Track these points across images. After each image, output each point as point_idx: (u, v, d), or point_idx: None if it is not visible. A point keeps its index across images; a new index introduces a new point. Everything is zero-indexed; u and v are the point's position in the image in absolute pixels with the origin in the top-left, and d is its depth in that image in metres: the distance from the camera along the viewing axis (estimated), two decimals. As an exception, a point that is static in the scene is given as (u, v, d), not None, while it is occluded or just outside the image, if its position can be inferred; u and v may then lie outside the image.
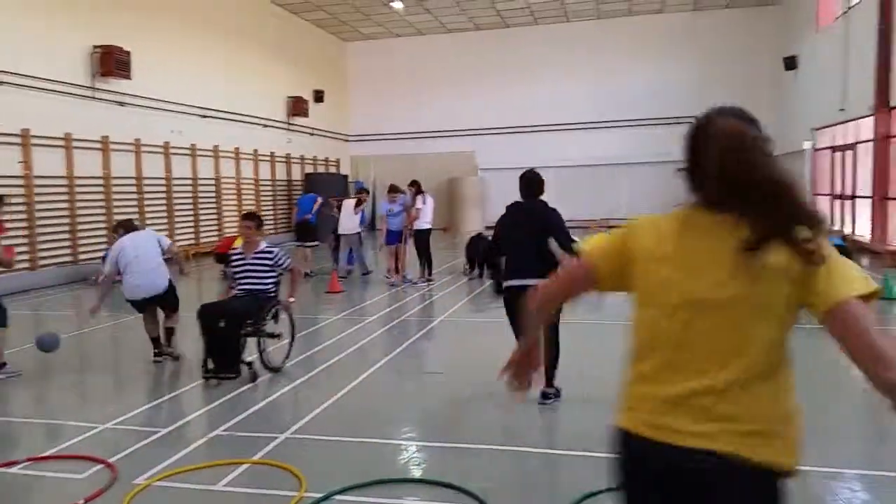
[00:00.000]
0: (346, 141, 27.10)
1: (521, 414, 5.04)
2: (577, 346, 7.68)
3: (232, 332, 5.81)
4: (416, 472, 4.08)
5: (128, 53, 14.59)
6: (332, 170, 25.54)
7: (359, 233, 12.48)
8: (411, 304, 10.01)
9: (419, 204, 11.61)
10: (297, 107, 22.51)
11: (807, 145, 19.41)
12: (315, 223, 13.29)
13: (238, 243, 7.48)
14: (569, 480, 3.82)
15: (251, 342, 5.95)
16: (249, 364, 5.88)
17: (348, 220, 12.48)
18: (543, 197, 5.54)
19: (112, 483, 3.91)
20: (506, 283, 5.35)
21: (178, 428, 4.88)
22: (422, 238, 11.67)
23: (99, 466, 4.16)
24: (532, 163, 22.70)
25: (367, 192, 11.84)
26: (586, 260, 1.87)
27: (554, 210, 5.41)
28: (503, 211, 5.59)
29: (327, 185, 22.71)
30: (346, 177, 25.46)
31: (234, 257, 6.34)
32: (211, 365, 5.86)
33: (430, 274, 11.84)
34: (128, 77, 14.65)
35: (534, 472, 4.07)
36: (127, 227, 7.09)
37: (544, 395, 5.24)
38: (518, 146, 25.29)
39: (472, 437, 4.54)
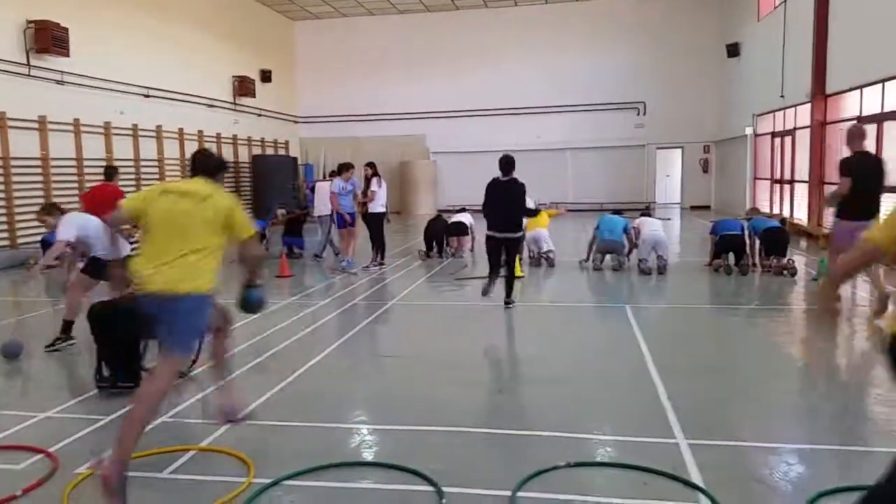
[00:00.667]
0: (295, 122, 26.66)
1: (474, 395, 5.08)
2: (550, 330, 7.76)
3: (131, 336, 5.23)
4: (368, 456, 4.08)
5: (66, 30, 14.01)
6: (281, 152, 25.10)
7: (330, 214, 12.11)
8: (362, 287, 9.95)
9: (374, 186, 11.48)
10: (244, 87, 22.02)
11: (748, 131, 19.92)
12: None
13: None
14: (520, 459, 3.86)
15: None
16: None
17: (322, 202, 12.42)
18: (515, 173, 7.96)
19: (52, 473, 3.79)
20: (488, 233, 8.02)
21: (122, 415, 4.75)
22: (376, 221, 11.57)
23: (38, 456, 4.03)
24: (483, 147, 23.14)
25: (353, 168, 11.66)
26: (872, 243, 2.76)
27: (522, 184, 7.95)
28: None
29: (276, 168, 22.37)
30: (295, 159, 25.05)
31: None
32: (106, 372, 5.28)
33: (382, 258, 11.78)
34: (66, 55, 14.09)
35: (483, 451, 4.11)
36: (60, 209, 6.87)
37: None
38: (469, 130, 25.33)
39: (425, 420, 4.55)
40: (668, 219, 19.74)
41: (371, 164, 11.83)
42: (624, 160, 25.08)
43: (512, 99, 25.11)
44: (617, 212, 11.96)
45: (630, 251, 10.99)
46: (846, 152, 7.41)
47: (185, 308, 3.62)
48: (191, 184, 3.91)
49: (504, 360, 6.35)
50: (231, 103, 21.75)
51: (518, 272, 10.12)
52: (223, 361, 4.30)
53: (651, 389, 5.05)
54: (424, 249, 12.89)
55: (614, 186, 24.57)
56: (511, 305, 8.10)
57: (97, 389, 5.26)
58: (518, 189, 7.94)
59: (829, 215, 10.96)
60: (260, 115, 23.60)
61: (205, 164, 4.00)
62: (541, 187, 10.87)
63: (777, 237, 10.31)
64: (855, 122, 12.10)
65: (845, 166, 7.14)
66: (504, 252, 8.03)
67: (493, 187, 7.99)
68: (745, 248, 10.29)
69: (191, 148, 19.20)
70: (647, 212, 12.87)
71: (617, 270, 10.73)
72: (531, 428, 4.36)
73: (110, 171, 9.97)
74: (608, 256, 11.02)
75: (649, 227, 10.81)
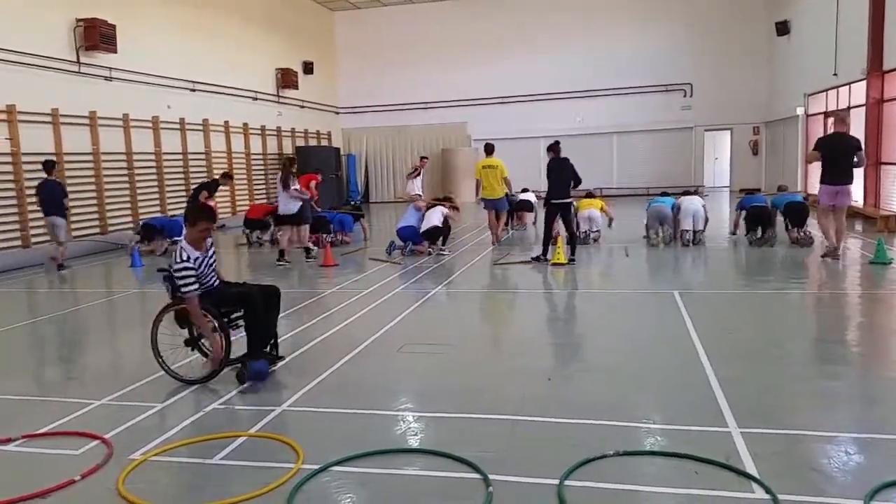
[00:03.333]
0: (337, 113, 26.84)
1: (521, 384, 5.04)
2: (600, 318, 7.69)
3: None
4: (415, 443, 4.08)
5: (113, 27, 14.34)
6: (324, 143, 25.32)
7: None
8: (420, 275, 9.98)
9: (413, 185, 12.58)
10: (287, 79, 22.26)
11: (800, 111, 19.32)
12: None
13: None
14: (566, 447, 3.81)
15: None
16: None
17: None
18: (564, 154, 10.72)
19: (108, 459, 3.89)
20: (552, 200, 10.57)
21: (174, 402, 4.86)
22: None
23: (95, 443, 4.14)
24: (525, 133, 23.36)
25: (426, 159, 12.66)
26: None
27: (571, 163, 10.64)
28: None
29: (319, 159, 22.55)
30: (338, 150, 25.26)
31: (198, 258, 5.36)
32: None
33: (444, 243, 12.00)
34: (114, 51, 14.43)
35: (531, 439, 4.07)
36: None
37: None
38: (510, 116, 25.15)
39: (472, 407, 4.53)
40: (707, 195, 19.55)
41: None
42: (671, 143, 24.58)
43: (553, 83, 24.83)
44: (664, 193, 13.33)
45: (675, 228, 11.91)
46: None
47: None
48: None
49: (552, 346, 6.29)
50: (275, 95, 22.01)
51: (561, 258, 10.11)
52: None
53: (702, 375, 4.94)
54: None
55: (661, 170, 24.07)
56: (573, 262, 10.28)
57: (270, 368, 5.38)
58: (570, 166, 10.61)
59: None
60: (303, 107, 23.83)
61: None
62: (584, 172, 11.08)
63: (797, 209, 11.21)
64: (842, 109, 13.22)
65: (817, 142, 9.60)
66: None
67: (553, 162, 10.65)
68: (770, 219, 11.26)
69: (237, 140, 19.54)
70: (688, 191, 13.79)
71: (667, 244, 11.75)
72: (579, 416, 4.31)
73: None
74: (661, 232, 12.02)
75: (689, 201, 11.83)
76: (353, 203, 16.76)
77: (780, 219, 11.61)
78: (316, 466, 3.67)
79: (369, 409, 4.58)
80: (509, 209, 13.67)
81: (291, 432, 4.16)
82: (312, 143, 24.31)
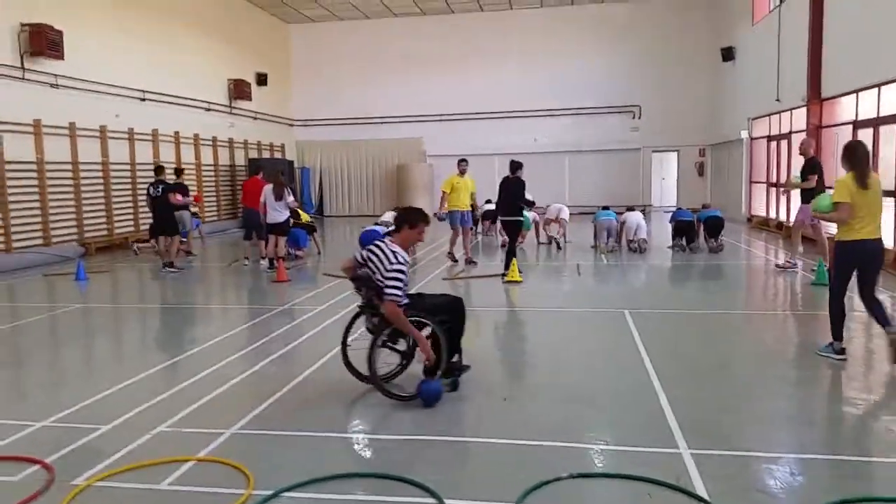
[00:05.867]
0: (291, 125, 26.62)
1: (476, 405, 5.03)
2: (548, 335, 7.72)
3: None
4: (369, 466, 4.03)
5: (59, 32, 13.96)
6: (277, 155, 25.05)
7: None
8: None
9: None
10: (240, 90, 21.99)
11: (744, 135, 19.95)
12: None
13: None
14: (521, 470, 3.82)
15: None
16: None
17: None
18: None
19: (49, 485, 3.73)
20: (501, 218, 11.36)
21: (119, 424, 4.70)
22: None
23: (35, 467, 3.97)
24: (480, 150, 23.52)
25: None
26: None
27: (524, 182, 10.96)
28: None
29: (272, 172, 22.27)
30: (291, 162, 25.03)
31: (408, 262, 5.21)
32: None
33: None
34: (60, 57, 14.04)
35: (485, 461, 4.06)
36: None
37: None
38: (466, 133, 25.32)
39: (425, 429, 4.50)
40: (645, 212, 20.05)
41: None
42: (620, 163, 25.11)
43: (508, 102, 25.13)
44: (606, 207, 14.80)
45: (620, 238, 13.78)
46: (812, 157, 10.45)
47: None
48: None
49: (506, 366, 6.31)
50: (227, 106, 21.71)
51: (516, 276, 10.19)
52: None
53: (652, 395, 5.02)
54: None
55: (611, 189, 24.48)
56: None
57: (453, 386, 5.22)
58: (520, 186, 10.86)
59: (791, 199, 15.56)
60: (256, 118, 23.56)
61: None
62: (539, 190, 11.72)
63: (714, 223, 13.47)
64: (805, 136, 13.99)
65: (819, 167, 10.20)
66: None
67: (505, 182, 10.99)
68: (693, 231, 13.46)
69: (187, 152, 19.18)
70: (631, 207, 15.41)
71: (612, 252, 13.44)
72: (534, 437, 4.32)
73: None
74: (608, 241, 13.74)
75: (631, 215, 13.81)
76: (310, 216, 16.56)
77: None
78: (267, 492, 3.59)
79: (322, 432, 4.51)
80: (475, 218, 14.07)
81: (242, 456, 4.06)
82: (266, 155, 24.03)
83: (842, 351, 5.83)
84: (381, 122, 26.21)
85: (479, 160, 23.73)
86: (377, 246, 5.15)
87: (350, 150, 26.58)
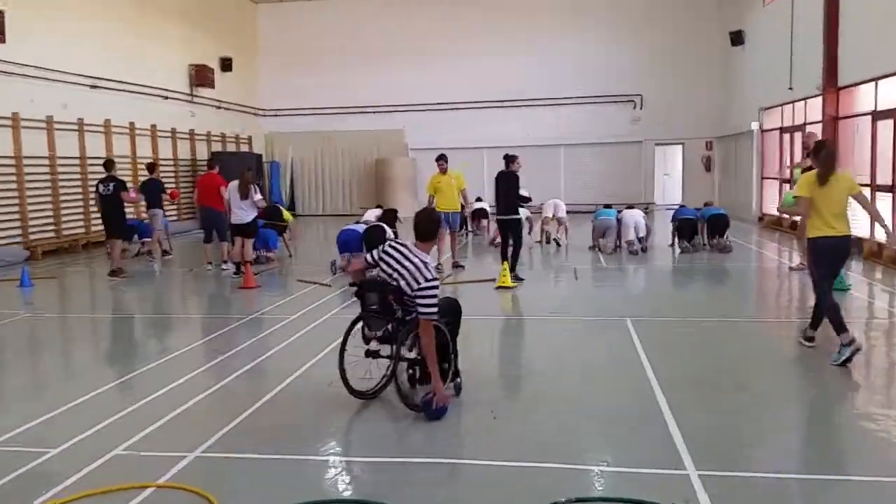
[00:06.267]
0: (258, 116, 26.51)
1: (465, 424, 5.05)
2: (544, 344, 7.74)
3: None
4: (344, 492, 4.03)
5: (1, 13, 13.83)
6: (244, 148, 24.95)
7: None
8: (352, 299, 9.90)
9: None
10: (202, 76, 21.88)
11: (754, 126, 20.11)
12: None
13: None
14: (513, 494, 3.83)
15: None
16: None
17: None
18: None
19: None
20: (498, 217, 11.27)
21: (71, 447, 4.67)
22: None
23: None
24: (467, 143, 23.47)
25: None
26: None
27: (518, 176, 11.07)
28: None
29: (238, 166, 22.16)
30: (259, 156, 24.92)
31: None
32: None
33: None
34: (1, 41, 13.90)
35: (473, 485, 4.08)
36: None
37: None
38: (452, 125, 25.21)
39: (408, 451, 4.51)
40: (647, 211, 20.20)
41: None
42: (620, 157, 25.16)
43: (498, 91, 25.10)
44: (607, 206, 15.19)
45: (619, 238, 13.86)
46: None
47: None
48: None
49: (498, 379, 6.33)
50: (187, 94, 21.61)
51: (507, 282, 10.24)
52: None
53: (656, 412, 5.06)
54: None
55: (610, 185, 24.39)
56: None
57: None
58: (516, 180, 11.00)
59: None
60: (220, 108, 23.46)
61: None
62: (532, 186, 11.85)
63: (717, 221, 13.88)
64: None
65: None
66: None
67: (499, 176, 11.04)
68: (696, 230, 13.94)
69: (143, 144, 19.06)
70: (631, 205, 15.70)
71: (610, 253, 13.63)
72: (527, 458, 4.34)
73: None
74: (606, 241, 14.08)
75: (630, 214, 14.03)
76: (288, 212, 16.48)
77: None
78: (235, 521, 3.59)
79: (294, 455, 4.51)
80: (463, 217, 14.31)
81: (206, 482, 4.04)
82: (231, 147, 23.93)
83: (851, 342, 6.11)
84: (359, 112, 26.14)
85: (467, 154, 23.70)
86: (397, 251, 5.18)
87: (324, 142, 26.50)
